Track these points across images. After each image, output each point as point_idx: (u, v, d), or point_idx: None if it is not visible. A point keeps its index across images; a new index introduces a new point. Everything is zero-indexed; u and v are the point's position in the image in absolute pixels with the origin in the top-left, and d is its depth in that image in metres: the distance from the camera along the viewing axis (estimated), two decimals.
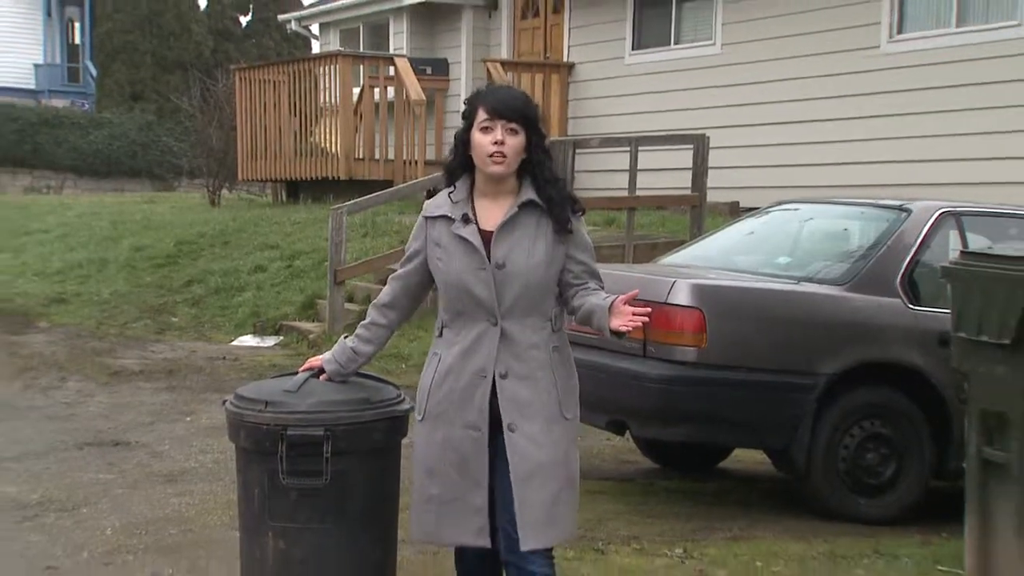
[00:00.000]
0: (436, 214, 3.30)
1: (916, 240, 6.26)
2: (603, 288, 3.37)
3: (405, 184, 12.85)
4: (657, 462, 7.44)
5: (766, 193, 10.01)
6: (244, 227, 15.21)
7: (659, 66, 14.36)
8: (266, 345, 11.20)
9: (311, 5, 22.07)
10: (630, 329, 3.15)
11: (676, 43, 14.36)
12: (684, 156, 11.11)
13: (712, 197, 11.16)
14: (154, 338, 11.83)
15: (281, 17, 23.42)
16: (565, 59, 15.81)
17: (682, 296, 6.03)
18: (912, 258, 6.21)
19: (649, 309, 3.21)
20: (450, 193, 3.31)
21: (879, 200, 7.49)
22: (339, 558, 3.91)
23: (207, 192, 18.56)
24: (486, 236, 3.24)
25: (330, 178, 15.13)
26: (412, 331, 8.89)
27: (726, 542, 5.43)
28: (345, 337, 3.41)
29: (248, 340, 11.50)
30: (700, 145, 10.73)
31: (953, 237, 6.24)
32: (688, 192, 10.90)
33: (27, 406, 8.85)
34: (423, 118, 14.80)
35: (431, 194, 3.54)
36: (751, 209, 8.76)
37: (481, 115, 3.21)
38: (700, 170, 10.91)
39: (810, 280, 6.45)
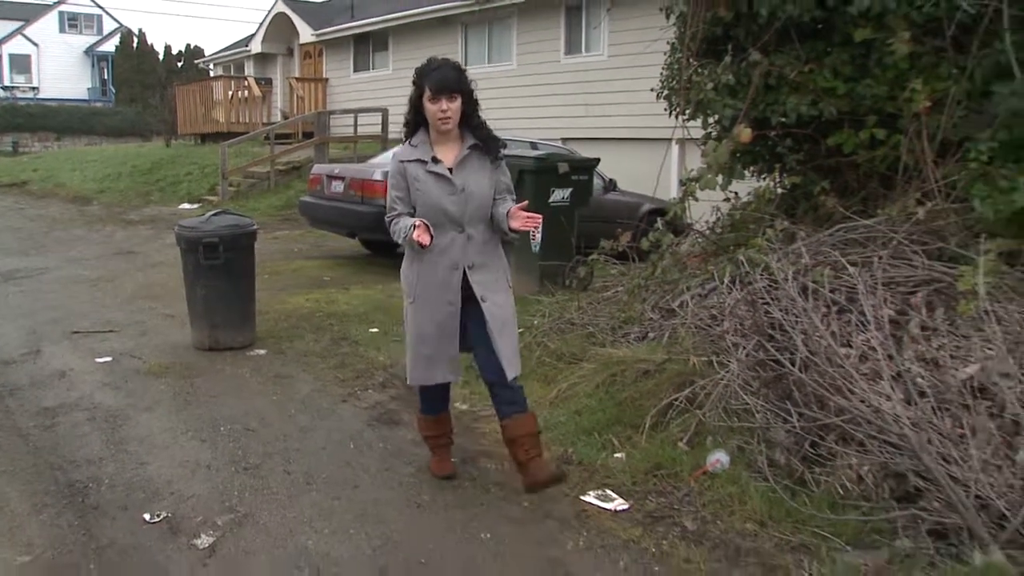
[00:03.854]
0: (410, 158, 4.00)
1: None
2: (511, 200, 4.15)
3: (252, 132, 20.79)
4: (369, 250, 11.79)
5: None
6: (182, 155, 22.97)
7: (364, 78, 23.46)
8: (193, 207, 17.39)
9: (211, 54, 34.43)
10: (522, 229, 4.02)
11: (373, 68, 23.33)
12: (376, 117, 19.93)
13: (391, 135, 18.98)
14: (144, 206, 18.50)
15: (197, 60, 37.20)
16: (324, 76, 25.46)
17: (378, 175, 9.95)
18: None
19: (539, 217, 4.04)
20: (412, 144, 4.03)
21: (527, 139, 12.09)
22: (229, 296, 6.87)
23: (165, 141, 28.39)
24: (448, 170, 3.96)
25: (219, 132, 23.10)
26: (349, 285, 9.74)
27: None
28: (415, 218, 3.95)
29: (185, 205, 18.09)
30: (384, 113, 19.72)
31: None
32: (379, 133, 19.78)
33: (89, 237, 13.90)
34: (259, 104, 24.44)
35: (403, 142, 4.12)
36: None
37: (427, 90, 3.90)
38: (384, 123, 19.69)
39: None
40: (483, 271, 4.13)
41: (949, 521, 3.81)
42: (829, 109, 6.57)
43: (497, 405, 4.29)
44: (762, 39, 6.70)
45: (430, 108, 3.98)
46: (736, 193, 7.46)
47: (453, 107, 3.98)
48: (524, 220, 4.03)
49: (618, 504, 4.36)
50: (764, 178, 7.56)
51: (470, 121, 4.08)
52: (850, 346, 4.56)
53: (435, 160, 4.03)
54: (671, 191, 11.22)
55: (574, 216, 8.65)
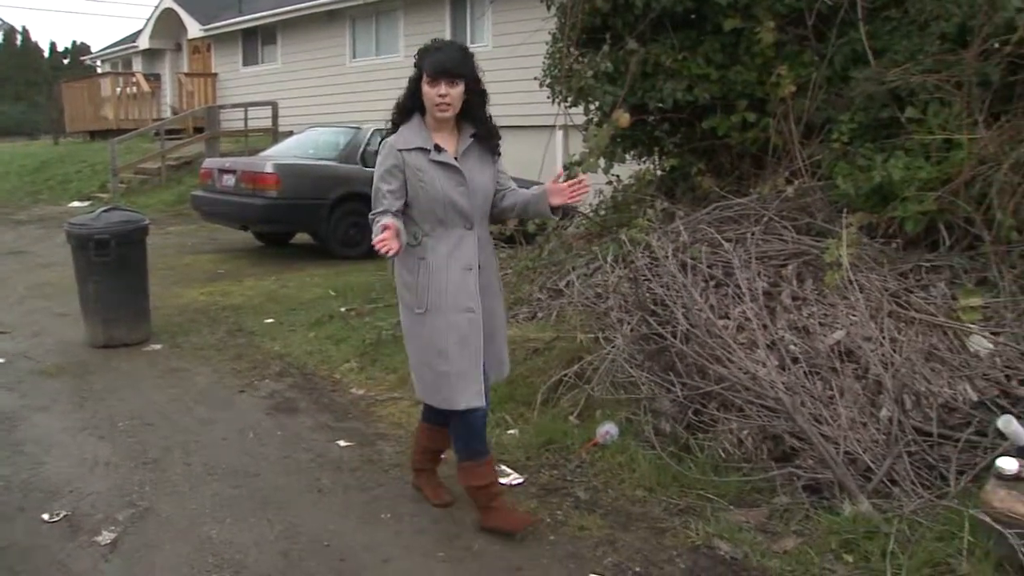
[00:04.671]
0: (410, 147, 3.44)
1: (364, 138, 10.80)
2: (518, 188, 3.66)
3: (142, 129, 20.13)
4: (262, 241, 11.94)
5: (304, 122, 15.59)
6: (71, 153, 22.77)
7: (254, 72, 23.22)
8: (84, 205, 16.92)
9: (98, 51, 33.31)
10: (574, 200, 3.52)
11: (263, 62, 23.08)
12: (267, 111, 19.98)
13: (281, 128, 18.94)
14: (33, 206, 17.86)
15: (84, 57, 35.90)
16: (213, 71, 25.07)
17: (269, 167, 10.22)
18: (364, 146, 10.67)
19: (585, 178, 3.57)
20: (406, 131, 3.49)
21: (350, 123, 11.85)
22: (122, 292, 6.74)
23: (53, 139, 27.85)
24: (455, 159, 3.45)
25: (109, 129, 22.35)
26: (243, 277, 9.50)
27: None
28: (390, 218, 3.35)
29: (76, 203, 17.47)
30: (274, 106, 19.89)
31: (378, 136, 9.84)
32: (270, 126, 19.62)
33: None
34: (149, 100, 24.06)
35: (389, 133, 3.58)
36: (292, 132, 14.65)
37: (427, 74, 3.40)
38: (275, 117, 19.71)
39: (323, 158, 10.71)
40: (487, 272, 3.65)
41: (822, 477, 3.97)
42: (703, 94, 6.73)
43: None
44: (638, 29, 6.82)
45: (428, 92, 3.45)
46: (618, 176, 7.60)
47: (454, 93, 3.45)
48: (569, 191, 3.54)
49: (513, 478, 4.41)
50: (644, 161, 7.71)
51: (473, 112, 3.56)
52: (728, 318, 4.71)
53: (438, 148, 3.49)
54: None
55: None
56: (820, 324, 4.47)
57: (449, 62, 3.46)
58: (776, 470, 4.07)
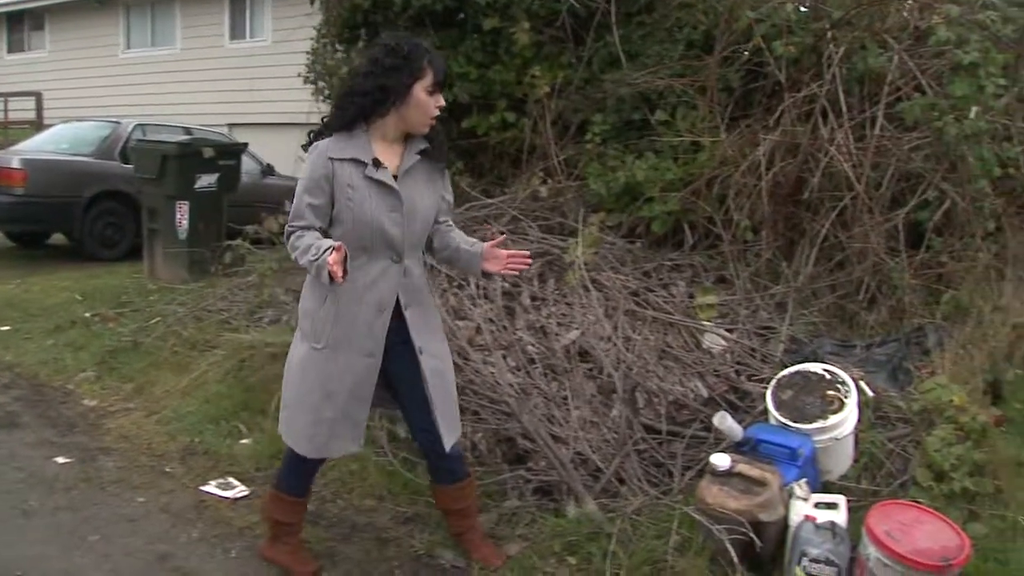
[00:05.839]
0: (344, 156, 2.89)
1: (125, 134, 10.01)
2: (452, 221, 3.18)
3: None
4: (14, 242, 10.78)
5: (74, 115, 13.62)
6: None
7: (19, 60, 21.07)
8: None
9: None
10: (509, 272, 3.12)
11: (29, 49, 21.26)
12: (31, 102, 18.96)
13: (49, 120, 16.78)
14: None
15: None
16: None
17: (16, 162, 9.31)
18: (124, 142, 9.79)
19: (528, 255, 3.11)
20: (342, 137, 2.92)
21: (110, 117, 11.07)
22: None
23: None
24: (393, 178, 2.93)
25: None
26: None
27: None
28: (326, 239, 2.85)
29: None
30: (38, 97, 18.58)
31: (140, 132, 9.95)
32: (33, 119, 18.25)
33: None
34: None
35: (317, 136, 3.01)
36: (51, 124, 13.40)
37: (430, 78, 2.90)
38: (39, 108, 18.47)
39: (78, 153, 9.89)
40: (419, 311, 3.12)
41: (552, 479, 3.92)
42: (463, 94, 6.66)
43: (432, 472, 3.43)
44: (397, 25, 6.66)
45: (425, 101, 2.92)
46: None
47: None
48: (507, 262, 3.11)
49: (238, 491, 4.15)
50: None
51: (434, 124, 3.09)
52: (466, 319, 4.61)
53: (377, 163, 2.94)
54: None
55: (223, 201, 8.27)
56: (558, 324, 4.45)
57: (446, 69, 3.05)
58: (508, 473, 3.99)
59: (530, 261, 3.14)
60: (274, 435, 4.34)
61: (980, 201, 4.77)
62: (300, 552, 3.45)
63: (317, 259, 2.79)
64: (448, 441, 3.20)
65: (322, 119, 3.08)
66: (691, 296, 5.03)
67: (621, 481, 3.92)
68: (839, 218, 5.10)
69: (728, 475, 3.39)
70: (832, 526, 3.18)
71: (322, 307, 3.02)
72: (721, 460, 3.40)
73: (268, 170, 11.32)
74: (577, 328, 4.46)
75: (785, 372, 3.86)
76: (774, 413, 3.68)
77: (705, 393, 4.41)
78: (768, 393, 3.77)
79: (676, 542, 3.39)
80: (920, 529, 3.12)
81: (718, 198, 5.50)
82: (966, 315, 4.51)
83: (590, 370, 4.35)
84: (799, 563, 3.16)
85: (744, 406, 4.34)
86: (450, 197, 3.25)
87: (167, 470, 4.42)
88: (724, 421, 3.60)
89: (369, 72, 2.93)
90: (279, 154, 11.72)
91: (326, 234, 2.99)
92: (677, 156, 5.85)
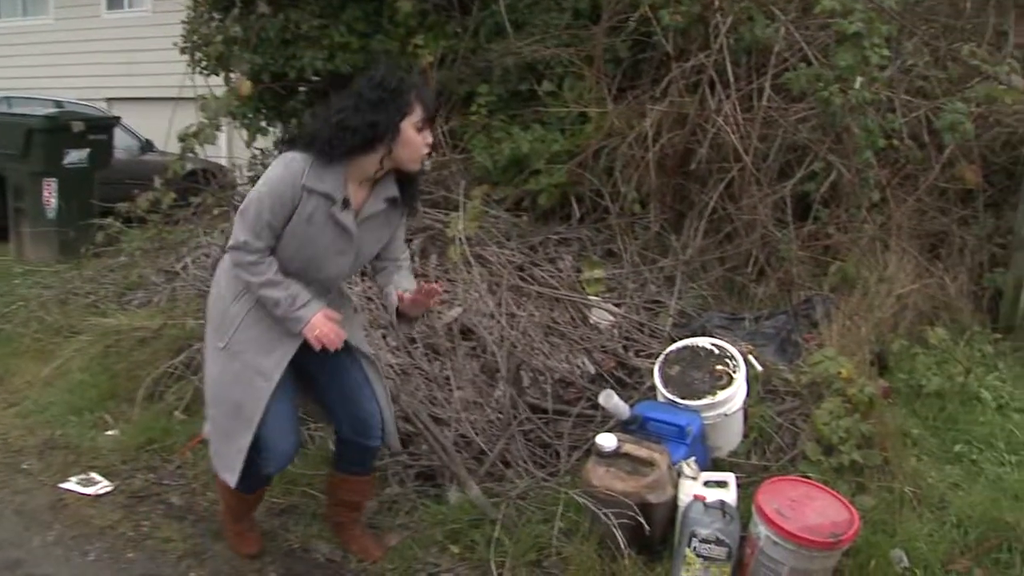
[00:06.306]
0: (318, 188, 2.68)
1: None
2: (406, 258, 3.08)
3: None
4: None
5: None
6: None
7: None
8: None
9: None
10: (419, 312, 2.97)
11: None
12: None
13: None
14: None
15: None
16: None
17: None
18: None
19: (438, 288, 2.87)
20: (320, 167, 2.68)
21: None
22: None
23: None
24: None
25: None
26: None
27: None
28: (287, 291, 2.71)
29: None
30: None
31: (5, 105, 9.76)
32: None
33: None
34: None
35: (287, 144, 2.82)
36: None
37: (419, 113, 2.72)
38: None
39: None
40: (345, 315, 2.99)
41: (434, 463, 3.73)
42: (344, 64, 6.37)
43: (340, 458, 3.24)
44: None
45: (414, 139, 2.75)
46: (262, 150, 7.11)
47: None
48: (419, 301, 2.90)
49: (101, 487, 3.84)
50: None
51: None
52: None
53: (346, 203, 2.77)
54: (222, 149, 10.62)
55: (93, 178, 7.81)
56: (441, 301, 4.21)
57: (435, 103, 2.86)
58: (389, 459, 3.76)
59: (438, 293, 2.95)
60: (142, 424, 4.08)
61: (865, 172, 4.72)
62: (247, 533, 3.34)
63: (295, 314, 2.75)
64: (392, 431, 3.13)
65: (302, 131, 2.94)
66: (578, 270, 4.88)
67: (506, 464, 3.76)
68: (727, 190, 5.02)
69: (615, 456, 3.24)
70: (722, 505, 3.07)
71: (235, 305, 2.84)
72: (607, 441, 3.24)
73: (147, 146, 10.82)
74: (460, 305, 4.26)
75: (673, 347, 3.74)
76: (662, 390, 3.55)
77: (592, 370, 4.27)
78: (655, 369, 3.64)
79: (563, 527, 3.25)
80: (810, 505, 3.03)
81: (605, 170, 5.36)
82: (852, 286, 4.47)
83: (473, 349, 4.17)
84: (689, 544, 3.04)
85: (632, 382, 4.22)
86: (403, 233, 3.12)
87: (24, 467, 4.08)
88: (610, 400, 3.45)
89: (356, 107, 2.69)
90: (159, 130, 11.20)
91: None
92: (564, 128, 5.69)
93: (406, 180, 2.90)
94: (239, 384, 2.84)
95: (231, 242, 2.80)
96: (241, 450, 2.86)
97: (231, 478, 2.92)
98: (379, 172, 2.81)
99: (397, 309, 2.94)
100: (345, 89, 2.81)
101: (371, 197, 2.84)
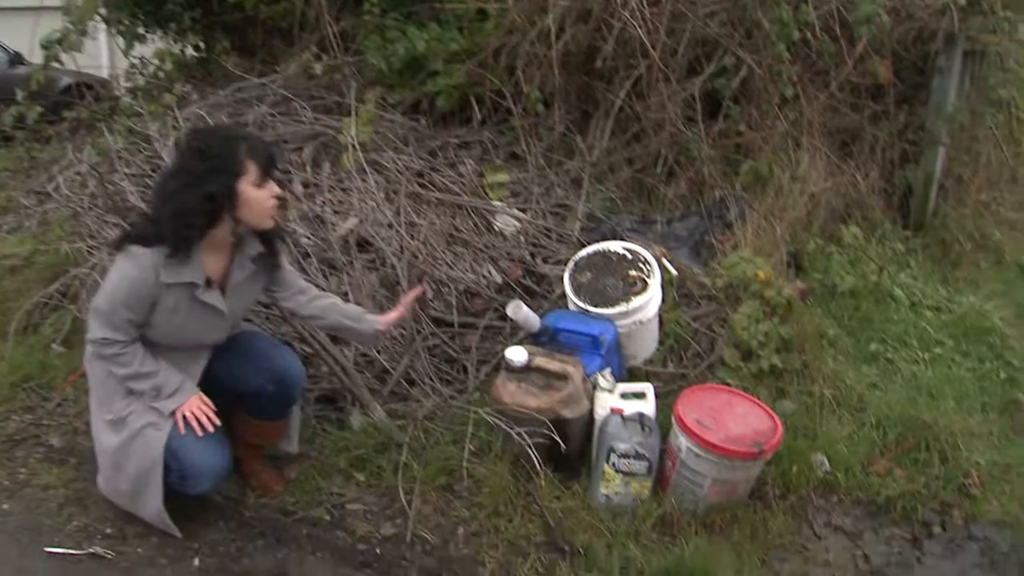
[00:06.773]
0: (177, 281, 2.55)
1: None
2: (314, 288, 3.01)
3: None
4: None
5: None
6: None
7: None
8: None
9: None
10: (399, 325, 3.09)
11: None
12: None
13: None
14: None
15: None
16: None
17: None
18: None
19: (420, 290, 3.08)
20: (176, 257, 2.52)
21: None
22: None
23: None
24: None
25: None
26: None
27: None
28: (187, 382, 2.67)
29: None
30: None
31: None
32: None
33: None
34: None
35: (133, 239, 2.56)
36: None
37: (253, 169, 2.56)
38: None
39: None
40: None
41: (335, 386, 3.48)
42: None
43: (258, 408, 3.00)
44: None
45: (256, 196, 2.59)
46: (143, 58, 6.58)
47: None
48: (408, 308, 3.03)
49: None
50: (170, 40, 6.71)
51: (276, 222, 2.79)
52: None
53: (209, 284, 2.64)
54: (103, 60, 9.93)
55: None
56: (334, 213, 3.93)
57: (275, 152, 2.70)
58: None
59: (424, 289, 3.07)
60: (15, 361, 3.73)
61: (777, 67, 4.52)
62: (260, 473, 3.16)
63: (166, 405, 2.68)
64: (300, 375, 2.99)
65: (142, 229, 2.62)
66: (480, 175, 4.63)
67: (411, 382, 3.54)
68: (634, 88, 4.78)
69: (526, 370, 3.04)
70: (640, 418, 2.90)
71: (109, 377, 2.72)
72: (517, 354, 3.04)
73: (17, 59, 10.00)
74: (355, 216, 3.96)
75: (583, 252, 3.53)
76: (573, 298, 3.35)
77: (499, 279, 4.06)
78: (566, 276, 3.43)
79: (473, 448, 3.07)
80: (731, 413, 2.89)
81: (507, 69, 5.06)
82: (765, 185, 4.30)
83: (371, 262, 3.89)
84: (608, 459, 2.88)
85: (541, 291, 4.03)
86: (290, 267, 3.03)
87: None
88: (519, 311, 3.24)
89: (187, 185, 2.53)
90: (29, 42, 10.49)
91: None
92: (462, 25, 5.34)
93: (267, 234, 2.76)
94: (135, 456, 2.72)
95: (88, 336, 2.67)
96: (159, 510, 2.78)
97: (167, 528, 2.83)
98: (234, 239, 2.70)
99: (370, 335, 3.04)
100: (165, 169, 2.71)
101: (235, 265, 2.74)
